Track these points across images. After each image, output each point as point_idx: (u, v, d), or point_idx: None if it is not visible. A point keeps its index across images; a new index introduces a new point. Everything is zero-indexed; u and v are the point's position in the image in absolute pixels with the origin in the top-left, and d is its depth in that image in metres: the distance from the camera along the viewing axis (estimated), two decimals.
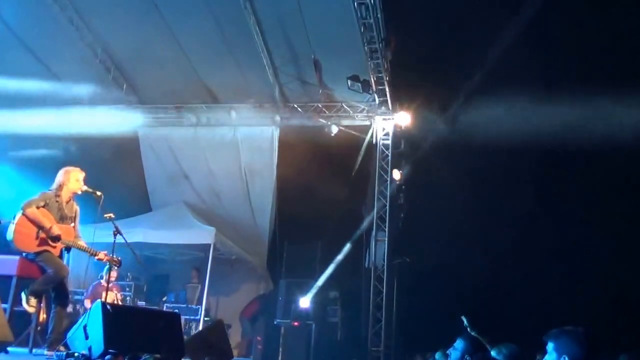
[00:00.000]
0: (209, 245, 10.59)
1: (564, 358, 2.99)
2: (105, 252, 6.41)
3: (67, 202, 6.30)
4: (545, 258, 11.57)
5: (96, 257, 6.35)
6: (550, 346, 3.11)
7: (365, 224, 11.00)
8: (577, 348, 2.99)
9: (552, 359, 3.07)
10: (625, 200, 11.31)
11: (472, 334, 5.52)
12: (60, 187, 6.27)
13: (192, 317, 10.55)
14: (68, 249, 6.37)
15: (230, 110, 11.76)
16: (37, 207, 6.01)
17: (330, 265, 10.15)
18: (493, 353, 5.08)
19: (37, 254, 5.95)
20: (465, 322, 5.68)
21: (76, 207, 6.45)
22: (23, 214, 5.91)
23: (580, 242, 10.96)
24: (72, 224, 6.34)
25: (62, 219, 6.18)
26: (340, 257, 10.11)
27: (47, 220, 5.99)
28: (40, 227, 5.92)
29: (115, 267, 6.73)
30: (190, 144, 12.03)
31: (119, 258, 6.56)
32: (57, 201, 6.18)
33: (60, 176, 6.35)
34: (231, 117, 11.76)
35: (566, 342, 3.04)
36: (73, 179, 6.32)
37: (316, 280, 10.23)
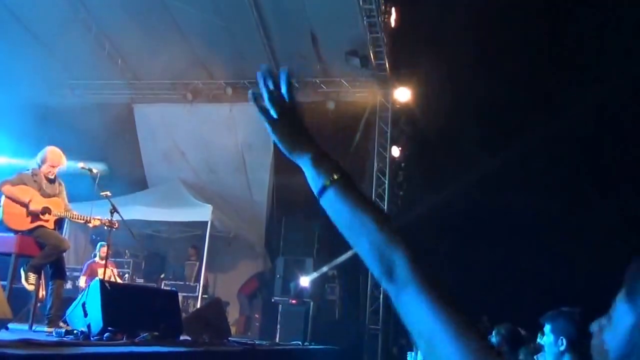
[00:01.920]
0: (207, 222, 10.56)
1: (562, 339, 2.98)
2: (99, 217, 6.39)
3: (47, 181, 6.22)
4: (547, 238, 11.57)
5: (91, 224, 6.33)
6: (547, 328, 3.11)
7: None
8: (574, 329, 2.99)
9: (550, 341, 3.06)
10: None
11: None
12: (39, 165, 6.21)
13: (190, 295, 10.55)
14: (60, 222, 6.33)
15: (226, 86, 11.64)
16: (13, 185, 5.95)
17: (334, 253, 10.11)
18: (493, 336, 5.07)
19: (32, 230, 5.91)
20: None
21: (60, 184, 6.37)
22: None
23: (582, 222, 10.95)
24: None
25: (44, 196, 6.12)
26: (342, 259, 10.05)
27: (26, 196, 5.94)
28: (19, 203, 5.89)
29: (114, 228, 6.67)
30: (186, 120, 11.92)
31: (115, 220, 6.55)
32: (35, 180, 6.11)
33: (40, 154, 6.28)
34: (227, 94, 11.64)
35: (563, 324, 3.03)
36: (48, 163, 6.20)
37: (314, 258, 10.21)
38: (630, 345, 0.92)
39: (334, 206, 1.15)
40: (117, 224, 6.62)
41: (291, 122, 1.25)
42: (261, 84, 1.26)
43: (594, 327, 1.09)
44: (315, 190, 1.17)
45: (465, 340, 0.93)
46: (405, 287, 1.02)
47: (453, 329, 0.95)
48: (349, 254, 10.47)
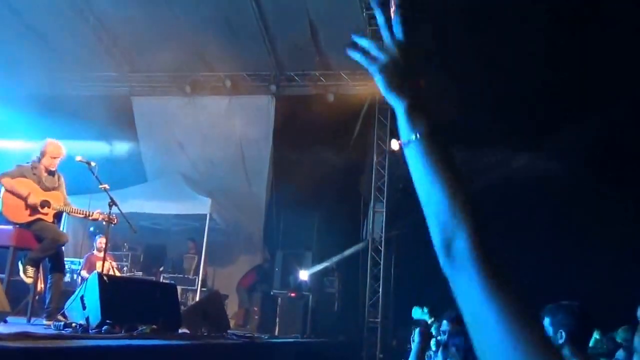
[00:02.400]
0: (205, 215, 10.55)
1: (561, 332, 2.98)
2: (99, 210, 6.38)
3: (47, 174, 6.21)
4: (546, 230, 11.54)
5: (91, 218, 6.33)
6: (546, 321, 3.11)
7: (362, 195, 10.94)
8: (573, 322, 2.99)
9: (549, 334, 3.06)
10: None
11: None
12: (38, 158, 6.20)
13: (189, 288, 10.55)
14: (59, 216, 6.32)
15: (225, 79, 11.59)
16: (13, 178, 5.94)
17: (331, 245, 10.12)
18: None
19: (30, 223, 5.90)
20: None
21: (60, 177, 6.36)
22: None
23: (581, 215, 10.93)
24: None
25: (44, 189, 6.11)
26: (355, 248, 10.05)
27: (25, 188, 5.93)
28: (18, 196, 5.88)
29: (113, 223, 6.67)
30: (185, 112, 11.88)
31: (115, 216, 6.55)
32: (34, 173, 6.10)
33: (39, 147, 6.26)
34: (226, 86, 11.60)
35: (562, 317, 3.04)
36: (49, 155, 6.21)
37: (313, 251, 10.21)
38: None
39: (413, 162, 1.09)
40: (116, 219, 6.61)
41: (405, 58, 1.16)
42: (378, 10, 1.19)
43: None
44: (401, 139, 1.12)
45: (521, 334, 0.87)
46: (462, 269, 0.96)
47: (508, 322, 0.89)
48: (350, 250, 10.51)
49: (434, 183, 1.04)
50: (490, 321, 0.90)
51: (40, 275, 6.47)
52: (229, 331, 6.22)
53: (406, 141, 1.09)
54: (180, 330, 5.31)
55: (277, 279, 10.17)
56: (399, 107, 1.12)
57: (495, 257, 0.96)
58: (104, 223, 6.62)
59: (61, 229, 6.87)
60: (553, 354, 0.88)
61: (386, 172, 11.04)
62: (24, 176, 6.03)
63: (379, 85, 1.16)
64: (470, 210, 1.01)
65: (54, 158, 6.19)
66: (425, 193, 1.06)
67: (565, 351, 2.98)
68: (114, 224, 6.65)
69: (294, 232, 10.87)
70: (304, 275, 9.85)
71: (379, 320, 10.49)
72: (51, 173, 6.23)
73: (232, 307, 11.44)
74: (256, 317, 11.00)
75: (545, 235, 11.03)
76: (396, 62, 1.17)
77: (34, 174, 6.10)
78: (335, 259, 10.08)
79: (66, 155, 6.34)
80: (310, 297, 9.93)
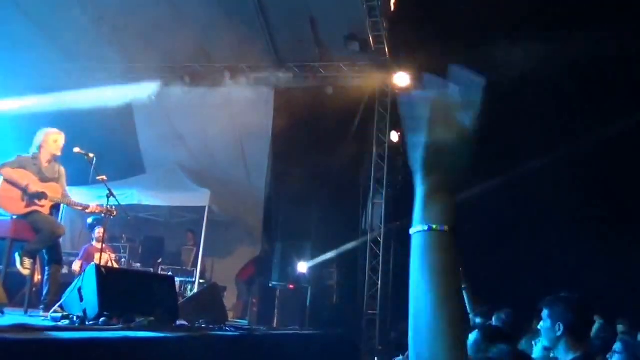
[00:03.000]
0: (204, 207, 10.53)
1: (559, 325, 2.98)
2: (98, 203, 6.37)
3: (48, 164, 6.19)
4: (547, 222, 11.54)
5: (89, 210, 6.32)
6: (545, 313, 3.11)
7: (362, 187, 10.91)
8: (571, 315, 2.99)
9: (547, 326, 3.06)
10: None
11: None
12: (38, 149, 6.17)
13: (187, 280, 10.55)
14: (57, 207, 6.31)
15: (224, 70, 11.54)
16: (13, 169, 5.92)
17: (334, 250, 10.10)
18: (493, 320, 5.06)
19: (27, 215, 5.88)
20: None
21: (60, 168, 6.34)
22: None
23: (582, 207, 10.92)
24: (58, 184, 6.26)
25: (43, 181, 6.08)
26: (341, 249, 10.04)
27: (25, 179, 5.91)
28: (17, 187, 5.86)
29: (112, 216, 6.67)
30: (184, 104, 11.81)
31: (114, 207, 6.54)
32: (34, 164, 6.08)
33: (37, 138, 6.24)
34: (225, 78, 11.55)
35: (561, 310, 3.04)
36: (51, 141, 6.20)
37: (312, 242, 10.19)
38: None
39: (415, 251, 1.04)
40: (115, 212, 6.59)
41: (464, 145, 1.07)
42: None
43: None
44: (413, 219, 1.06)
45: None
46: None
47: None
48: (349, 245, 10.47)
49: (427, 289, 1.01)
50: None
51: (38, 266, 6.46)
52: (227, 323, 6.20)
53: (414, 228, 1.05)
54: (178, 322, 5.30)
55: (276, 270, 10.16)
56: (419, 185, 1.08)
57: None
58: (103, 215, 6.60)
59: (59, 220, 6.86)
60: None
61: (385, 164, 11.02)
62: (24, 167, 6.02)
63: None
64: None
65: (56, 142, 6.18)
66: (414, 292, 1.02)
67: (562, 344, 2.97)
68: (114, 215, 6.64)
69: (293, 224, 10.85)
70: (302, 267, 9.84)
71: (377, 312, 10.50)
72: (52, 163, 6.21)
73: (230, 299, 11.44)
74: (255, 309, 11.00)
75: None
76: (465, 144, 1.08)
77: (34, 165, 6.08)
78: (333, 252, 10.07)
79: (64, 145, 6.32)
80: (309, 289, 9.93)
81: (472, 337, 3.29)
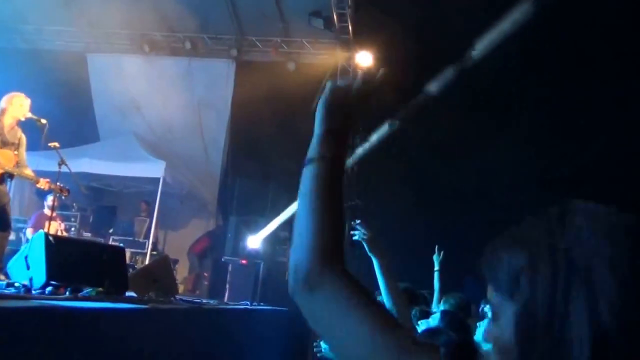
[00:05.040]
0: (159, 178, 10.39)
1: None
2: (48, 180, 6.23)
3: (11, 129, 6.05)
4: (515, 204, 11.77)
5: (38, 185, 6.18)
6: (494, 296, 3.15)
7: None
8: None
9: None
10: None
11: (435, 270, 5.57)
12: (2, 112, 6.01)
13: (139, 251, 10.44)
14: (11, 176, 6.15)
15: (185, 40, 11.34)
16: None
17: (284, 211, 10.08)
18: (441, 304, 5.14)
19: None
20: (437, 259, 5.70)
21: (21, 135, 6.20)
22: None
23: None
24: (15, 152, 6.10)
25: (3, 144, 5.93)
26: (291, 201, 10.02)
27: None
28: None
29: (64, 196, 6.56)
30: (143, 73, 11.57)
31: (67, 187, 6.40)
32: None
33: (3, 101, 6.07)
34: (185, 48, 11.36)
35: None
36: (17, 105, 6.07)
37: (267, 218, 10.17)
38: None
39: (304, 183, 1.16)
40: (66, 193, 6.46)
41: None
42: None
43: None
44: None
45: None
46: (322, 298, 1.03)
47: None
48: (288, 212, 10.44)
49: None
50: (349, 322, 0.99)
51: None
52: (177, 296, 6.19)
53: (306, 159, 1.20)
54: (127, 294, 5.26)
55: (229, 245, 10.13)
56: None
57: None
58: (56, 194, 6.48)
59: (9, 187, 6.67)
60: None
61: None
62: None
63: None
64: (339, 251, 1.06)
65: (21, 106, 6.04)
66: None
67: None
68: (65, 196, 6.54)
69: (249, 199, 10.79)
70: (252, 241, 9.84)
71: None
72: (15, 128, 6.07)
73: (182, 272, 11.40)
74: (206, 283, 10.99)
75: None
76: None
77: None
78: (276, 222, 10.05)
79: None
80: (262, 265, 9.95)
81: (433, 322, 3.33)
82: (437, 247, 5.72)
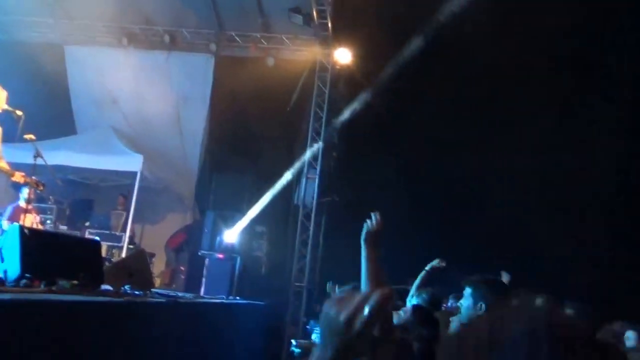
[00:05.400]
0: (136, 172, 10.36)
1: (481, 304, 3.10)
2: (23, 173, 6.20)
3: None
4: (477, 207, 11.92)
5: (13, 178, 6.15)
6: (467, 291, 3.23)
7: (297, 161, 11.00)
8: (493, 297, 3.10)
9: (468, 304, 3.19)
10: None
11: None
12: None
13: (115, 244, 10.41)
14: None
15: (164, 33, 11.30)
16: None
17: (259, 202, 10.14)
18: (414, 299, 5.24)
19: None
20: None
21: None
22: None
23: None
24: None
25: None
26: (269, 195, 10.09)
27: None
28: None
29: (39, 190, 6.53)
30: (121, 66, 11.52)
31: (42, 182, 6.37)
32: None
33: None
34: (164, 41, 11.32)
35: (485, 292, 3.16)
36: None
37: (244, 213, 10.22)
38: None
39: None
40: (42, 187, 6.42)
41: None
42: None
43: None
44: None
45: None
46: None
47: None
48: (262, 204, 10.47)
49: None
50: None
51: None
52: (152, 290, 6.21)
53: None
54: (102, 287, 5.27)
55: (206, 239, 10.16)
56: None
57: None
58: (30, 188, 6.44)
59: None
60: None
61: (321, 139, 11.13)
62: None
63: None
64: None
65: None
66: None
67: None
68: (40, 190, 6.50)
69: (226, 194, 10.80)
70: (229, 235, 9.88)
71: (304, 284, 10.71)
72: None
73: (159, 266, 11.39)
74: (183, 276, 10.99)
75: None
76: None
77: None
78: (251, 214, 10.10)
79: None
80: (239, 259, 9.99)
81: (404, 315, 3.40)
82: (440, 258, 5.79)
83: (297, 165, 11.00)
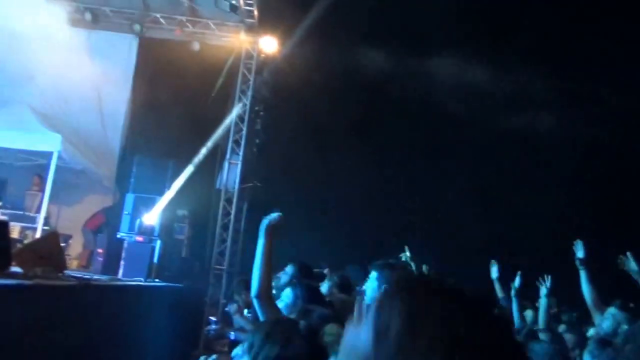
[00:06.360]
0: (52, 152, 10.11)
1: (384, 287, 3.34)
2: None
3: None
4: (392, 188, 12.30)
5: None
6: (373, 275, 3.46)
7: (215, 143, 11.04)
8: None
9: (373, 287, 3.42)
10: None
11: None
12: None
13: (29, 226, 10.15)
14: None
15: (85, 11, 11.03)
16: None
17: (175, 183, 10.16)
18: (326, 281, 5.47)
19: None
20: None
21: None
22: None
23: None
24: None
25: None
26: (186, 176, 10.11)
27: None
28: None
29: None
30: (40, 41, 11.13)
31: None
32: None
33: None
34: (86, 19, 11.05)
35: (389, 274, 3.39)
36: None
37: (164, 197, 10.20)
38: None
39: None
40: None
41: None
42: None
43: None
44: None
45: None
46: None
47: None
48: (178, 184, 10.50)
49: None
50: None
51: None
52: (66, 272, 6.19)
53: None
54: (11, 269, 5.23)
55: (126, 222, 10.08)
56: None
57: None
58: None
59: None
60: None
61: (245, 126, 11.23)
62: None
63: None
64: None
65: None
66: None
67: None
68: None
69: (148, 177, 10.73)
70: (148, 218, 9.86)
71: (224, 268, 10.84)
72: None
73: (76, 248, 11.20)
74: (100, 259, 10.86)
75: None
76: None
77: None
78: (170, 195, 10.12)
79: None
80: (159, 242, 9.99)
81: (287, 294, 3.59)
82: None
83: (216, 149, 11.05)
